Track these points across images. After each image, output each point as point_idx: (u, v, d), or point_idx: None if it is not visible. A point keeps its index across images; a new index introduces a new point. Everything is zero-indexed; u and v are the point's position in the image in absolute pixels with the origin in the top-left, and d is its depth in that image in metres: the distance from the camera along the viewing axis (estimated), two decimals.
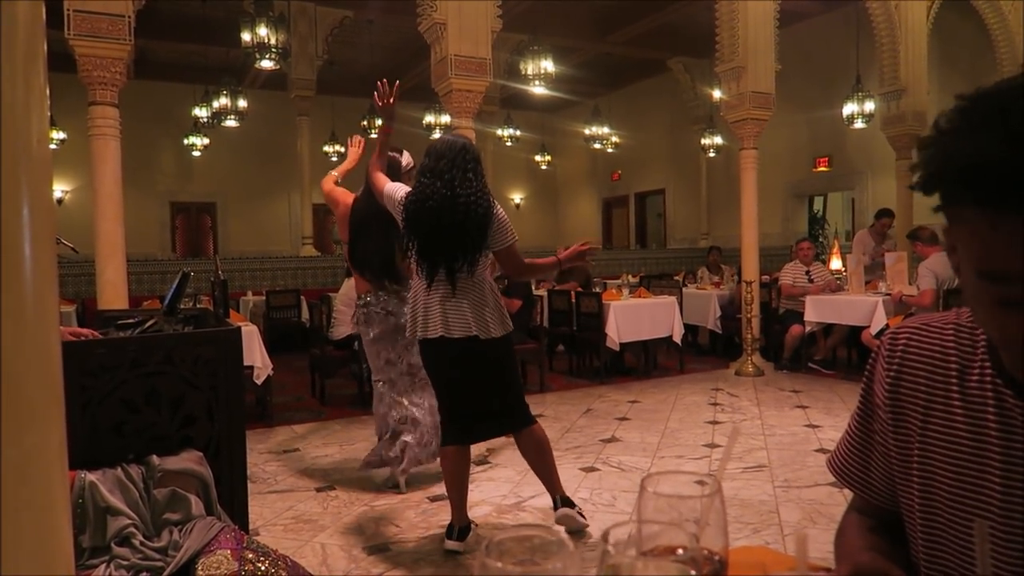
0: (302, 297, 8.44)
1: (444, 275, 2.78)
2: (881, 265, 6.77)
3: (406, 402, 3.61)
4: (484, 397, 2.86)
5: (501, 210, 2.84)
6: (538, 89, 8.23)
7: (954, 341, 0.86)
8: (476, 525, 3.04)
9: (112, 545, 1.67)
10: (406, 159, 3.70)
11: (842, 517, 1.00)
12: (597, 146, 12.81)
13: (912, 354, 0.88)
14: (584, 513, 3.05)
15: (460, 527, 2.88)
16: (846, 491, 3.42)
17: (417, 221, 2.81)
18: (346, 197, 3.73)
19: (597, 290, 7.08)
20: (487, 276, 2.88)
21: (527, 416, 2.93)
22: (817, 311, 6.47)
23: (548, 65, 7.82)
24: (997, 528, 0.77)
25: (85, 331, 2.31)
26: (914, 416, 0.86)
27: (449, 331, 2.77)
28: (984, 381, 0.81)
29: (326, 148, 11.69)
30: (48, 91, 0.51)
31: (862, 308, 6.13)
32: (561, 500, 3.01)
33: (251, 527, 2.70)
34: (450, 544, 2.87)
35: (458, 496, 2.90)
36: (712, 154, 11.67)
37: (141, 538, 1.70)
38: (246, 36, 6.77)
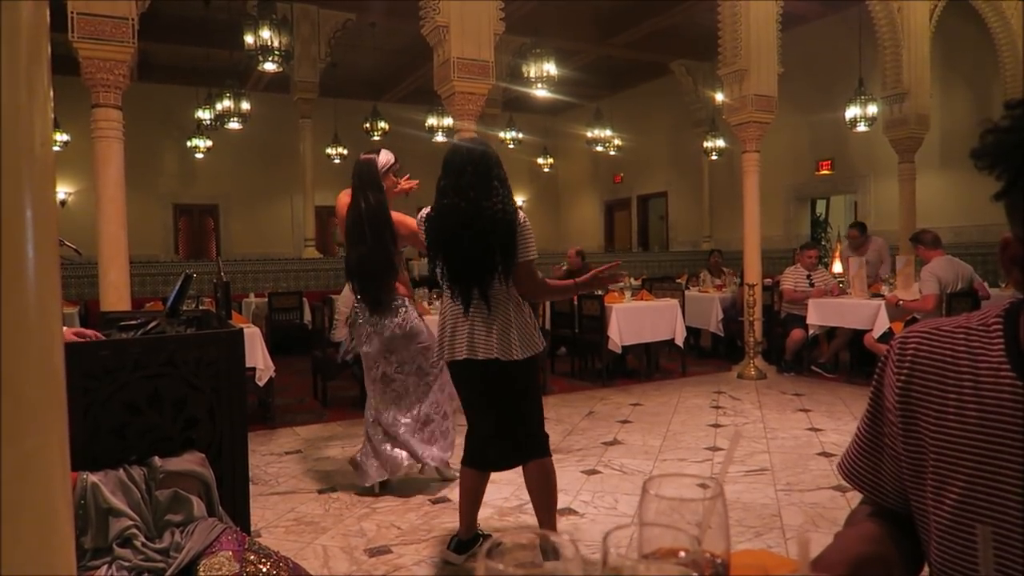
0: (304, 299, 8.45)
1: (478, 295, 2.61)
2: (862, 266, 6.74)
3: (388, 414, 3.60)
4: (502, 422, 2.71)
5: (526, 220, 2.65)
6: (540, 92, 8.24)
7: (965, 345, 0.85)
8: (485, 537, 2.97)
9: (114, 546, 1.67)
10: (383, 158, 3.57)
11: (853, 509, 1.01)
12: (599, 149, 12.81)
13: (923, 359, 0.88)
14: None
15: (462, 539, 2.84)
16: (848, 495, 3.40)
17: (440, 242, 2.66)
18: (343, 198, 3.61)
19: (599, 292, 7.08)
20: (514, 292, 2.66)
21: (542, 447, 2.70)
22: (819, 314, 6.46)
23: (550, 68, 7.83)
24: (1010, 533, 0.76)
25: (89, 332, 2.30)
26: (926, 421, 0.86)
27: (474, 352, 2.61)
28: (1001, 383, 0.81)
29: (328, 150, 11.73)
30: (51, 93, 0.51)
31: (864, 312, 6.12)
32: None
33: (253, 529, 2.70)
34: (448, 555, 2.84)
35: (468, 510, 2.82)
36: (714, 157, 11.67)
37: (143, 539, 1.70)
38: (249, 39, 6.78)
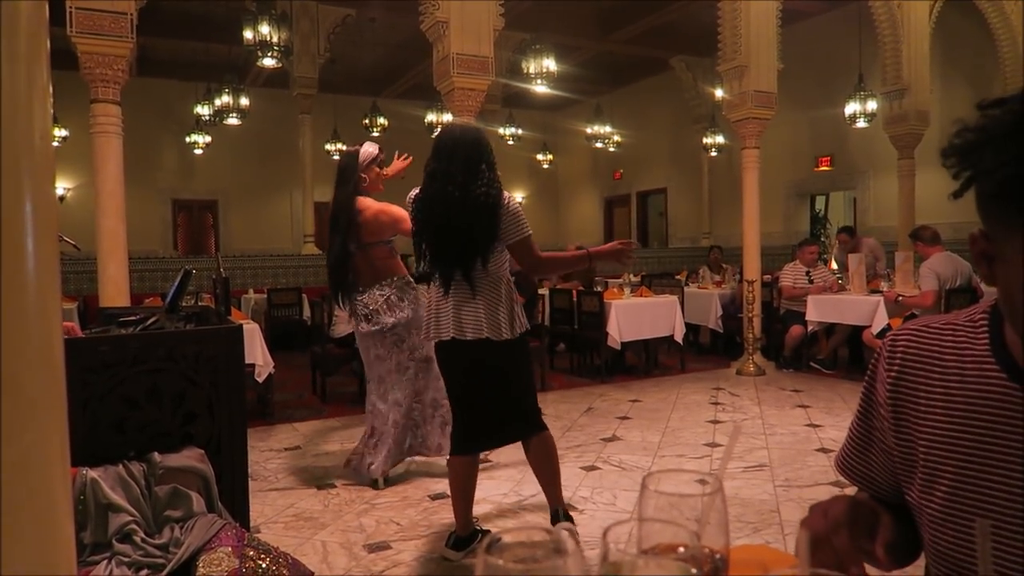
0: (303, 295, 8.45)
1: (460, 276, 2.64)
2: (861, 262, 6.75)
3: (390, 398, 3.60)
4: (495, 402, 2.73)
5: (514, 200, 2.69)
6: (540, 88, 8.23)
7: (952, 340, 0.87)
8: (484, 533, 2.92)
9: (113, 542, 1.68)
10: (365, 152, 3.57)
11: None
12: (599, 145, 12.80)
13: (912, 356, 0.90)
14: (577, 529, 2.91)
15: (460, 536, 2.83)
16: (847, 491, 3.42)
17: (426, 225, 2.69)
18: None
19: (598, 289, 7.08)
20: (504, 274, 2.72)
21: (538, 422, 2.80)
22: (819, 310, 6.47)
23: (550, 64, 7.81)
24: (1000, 524, 0.77)
25: (67, 324, 2.30)
26: (916, 416, 0.88)
27: (462, 333, 2.64)
28: (987, 377, 0.81)
29: (328, 146, 11.70)
30: (51, 88, 0.51)
31: (863, 308, 6.12)
32: (563, 514, 2.86)
33: (252, 524, 2.70)
34: (446, 552, 2.83)
35: (462, 505, 2.82)
36: (714, 153, 11.67)
37: (142, 535, 1.71)
38: (248, 34, 6.77)
